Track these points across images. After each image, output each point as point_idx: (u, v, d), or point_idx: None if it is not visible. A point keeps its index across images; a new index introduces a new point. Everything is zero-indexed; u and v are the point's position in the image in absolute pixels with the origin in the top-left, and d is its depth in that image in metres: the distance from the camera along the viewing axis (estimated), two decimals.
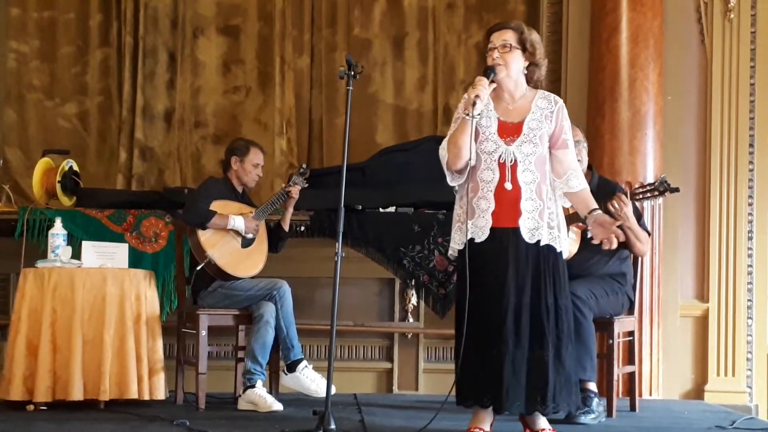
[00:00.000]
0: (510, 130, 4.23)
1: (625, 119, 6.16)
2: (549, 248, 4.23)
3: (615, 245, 4.31)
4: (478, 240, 4.19)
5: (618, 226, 4.51)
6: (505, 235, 4.19)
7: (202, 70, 7.18)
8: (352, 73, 4.39)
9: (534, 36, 4.30)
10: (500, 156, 4.20)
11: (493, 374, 4.13)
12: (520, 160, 4.20)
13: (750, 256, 6.40)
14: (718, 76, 6.44)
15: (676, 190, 4.99)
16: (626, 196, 4.99)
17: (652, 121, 6.18)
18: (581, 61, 6.44)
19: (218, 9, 7.20)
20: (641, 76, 6.16)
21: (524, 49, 4.26)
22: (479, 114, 4.16)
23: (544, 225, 4.22)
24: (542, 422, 4.28)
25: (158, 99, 7.15)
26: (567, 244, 4.36)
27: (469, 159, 4.16)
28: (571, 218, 5.04)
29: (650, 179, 6.03)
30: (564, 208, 5.08)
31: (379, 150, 6.65)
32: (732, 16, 6.44)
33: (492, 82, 4.21)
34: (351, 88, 4.41)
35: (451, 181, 4.28)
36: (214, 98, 7.18)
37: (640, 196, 5.02)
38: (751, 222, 6.41)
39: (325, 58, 7.16)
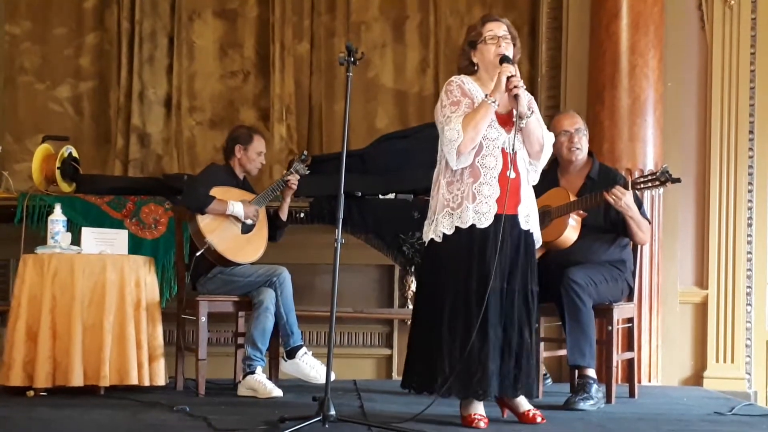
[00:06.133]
0: (504, 120, 4.30)
1: (625, 106, 6.15)
2: (532, 235, 4.36)
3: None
4: (480, 226, 4.21)
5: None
6: (506, 221, 4.24)
7: (198, 54, 7.14)
8: (352, 59, 4.37)
9: (515, 32, 4.43)
10: (503, 143, 4.26)
11: (482, 362, 4.20)
12: (519, 148, 4.28)
13: (749, 242, 6.41)
14: (719, 62, 6.44)
15: (678, 180, 4.99)
16: (627, 185, 4.99)
17: (652, 107, 6.17)
18: (581, 48, 6.43)
19: None
20: (641, 63, 6.15)
21: (514, 45, 4.37)
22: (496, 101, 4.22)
23: (532, 212, 4.35)
24: (526, 404, 4.39)
25: (158, 84, 7.12)
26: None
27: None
28: (571, 206, 5.05)
29: (650, 166, 6.03)
30: (564, 197, 5.10)
31: (379, 136, 6.63)
32: (732, 2, 6.43)
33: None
34: (351, 74, 4.40)
35: (458, 164, 4.25)
36: (210, 83, 7.14)
37: (641, 186, 5.02)
38: (750, 209, 6.42)
39: (325, 43, 7.13)
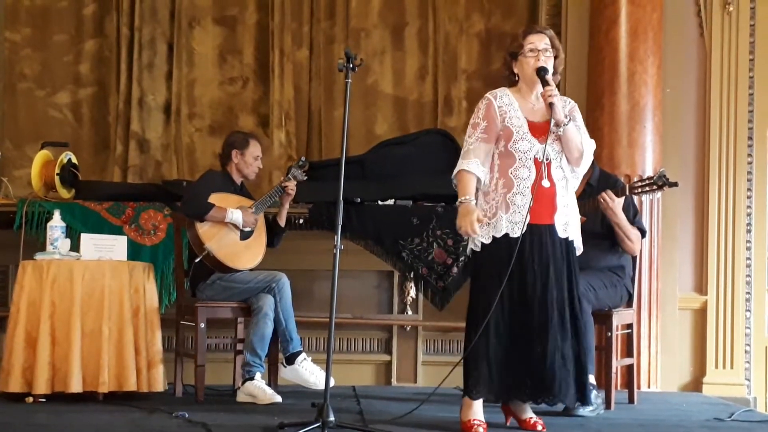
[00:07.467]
0: (539, 129, 4.32)
1: (624, 112, 6.16)
2: (573, 243, 4.37)
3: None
4: (513, 235, 4.25)
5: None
6: (541, 230, 4.28)
7: (198, 60, 7.14)
8: (351, 65, 4.39)
9: (559, 43, 4.45)
10: (536, 153, 4.29)
11: (539, 369, 4.23)
12: (554, 158, 4.31)
13: (749, 248, 6.40)
14: (717, 69, 6.45)
15: (675, 184, 5.00)
16: (625, 189, 5.01)
17: (651, 113, 6.18)
18: (580, 54, 6.43)
19: None
20: (640, 69, 6.16)
21: (556, 56, 4.39)
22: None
23: (571, 220, 4.35)
24: (529, 411, 4.42)
25: (157, 91, 7.13)
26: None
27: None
28: None
29: (649, 172, 6.03)
30: None
31: (378, 142, 6.64)
32: (731, 9, 6.44)
33: (545, 81, 4.28)
34: (350, 80, 4.41)
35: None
36: (210, 89, 7.15)
37: (639, 190, 5.03)
38: (749, 215, 6.42)
39: (324, 49, 7.14)
